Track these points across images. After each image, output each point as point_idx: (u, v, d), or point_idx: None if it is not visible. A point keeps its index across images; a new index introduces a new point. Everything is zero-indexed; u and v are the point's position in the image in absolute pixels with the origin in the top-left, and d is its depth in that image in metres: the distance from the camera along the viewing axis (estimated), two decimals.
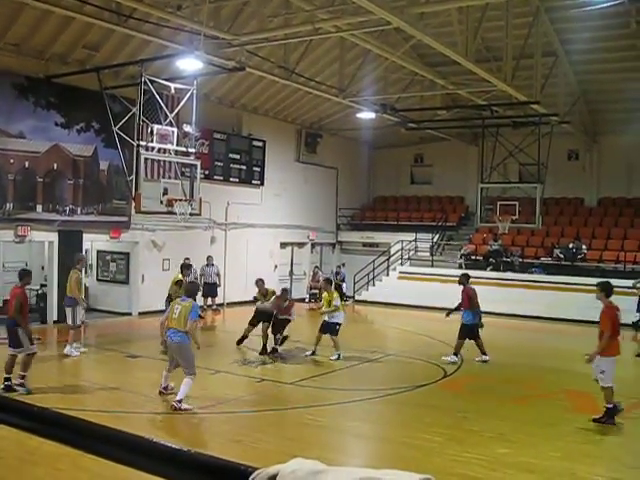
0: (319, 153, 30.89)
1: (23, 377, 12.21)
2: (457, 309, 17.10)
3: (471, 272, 26.08)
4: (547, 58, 22.20)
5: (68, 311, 16.11)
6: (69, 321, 16.06)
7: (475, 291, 16.79)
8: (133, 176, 17.94)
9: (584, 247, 27.18)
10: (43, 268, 22.69)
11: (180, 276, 17.36)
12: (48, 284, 20.94)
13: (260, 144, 27.65)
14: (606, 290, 11.65)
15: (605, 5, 18.36)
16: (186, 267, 18.49)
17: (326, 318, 16.68)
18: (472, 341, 16.36)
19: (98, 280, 23.92)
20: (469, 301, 16.56)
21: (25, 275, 12.90)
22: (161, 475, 1.41)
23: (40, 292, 21.83)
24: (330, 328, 16.49)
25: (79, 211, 20.90)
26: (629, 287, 22.31)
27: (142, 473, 1.44)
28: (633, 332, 21.69)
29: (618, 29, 20.92)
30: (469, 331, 16.45)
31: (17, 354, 12.26)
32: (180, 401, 11.26)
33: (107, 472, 5.88)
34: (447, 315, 17.30)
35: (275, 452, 9.09)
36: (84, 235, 21.16)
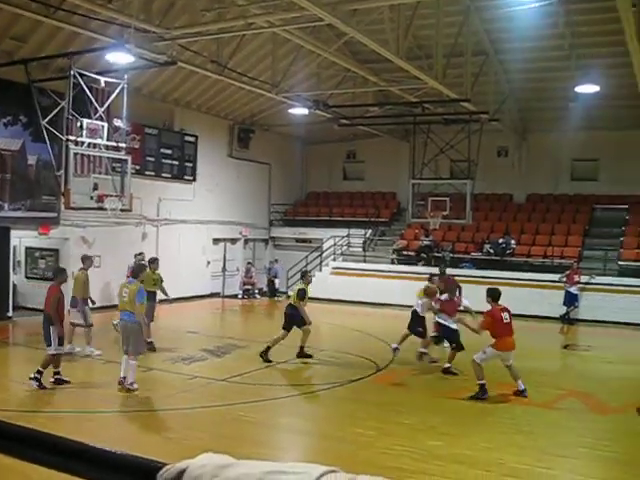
0: (252, 148, 30.80)
1: (40, 372, 12.29)
2: None
3: (403, 267, 26.51)
4: (477, 57, 22.51)
5: (74, 312, 15.58)
6: (81, 321, 15.50)
7: None
8: (62, 171, 17.66)
9: (513, 242, 27.68)
10: None
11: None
12: None
13: (192, 139, 27.46)
14: (492, 296, 13.24)
15: (534, 5, 18.69)
16: (152, 261, 18.03)
17: None
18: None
19: (27, 277, 23.44)
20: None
21: (59, 273, 13.38)
22: (68, 471, 1.39)
23: None
24: None
25: (6, 207, 20.43)
26: (556, 281, 22.87)
27: (51, 470, 1.43)
28: (560, 325, 22.26)
29: (547, 29, 21.30)
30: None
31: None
32: (132, 383, 12.40)
33: (17, 466, 5.78)
34: None
35: (206, 449, 8.93)
36: (12, 231, 20.74)
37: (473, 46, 21.68)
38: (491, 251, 27.63)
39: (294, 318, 15.62)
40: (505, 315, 13.19)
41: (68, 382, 12.64)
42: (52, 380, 12.48)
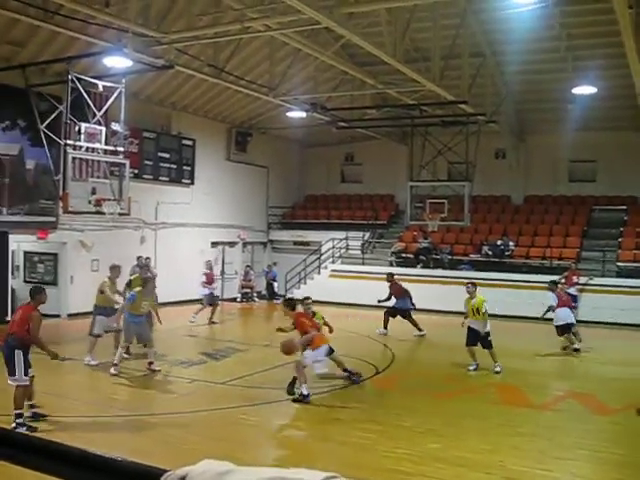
0: (250, 152, 30.83)
1: (20, 416, 10.33)
2: (387, 299, 20.97)
3: (401, 269, 26.52)
4: (474, 59, 22.54)
5: (107, 320, 15.26)
6: (114, 325, 15.16)
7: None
8: (60, 175, 17.66)
9: (511, 244, 27.70)
10: None
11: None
12: None
13: (190, 143, 27.48)
14: (290, 306, 13.36)
15: (530, 8, 18.72)
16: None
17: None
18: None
19: (25, 282, 23.39)
20: (403, 292, 20.61)
21: (38, 292, 10.98)
22: (69, 479, 1.40)
23: None
24: None
25: (4, 211, 20.42)
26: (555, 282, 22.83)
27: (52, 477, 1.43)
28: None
29: (543, 31, 21.35)
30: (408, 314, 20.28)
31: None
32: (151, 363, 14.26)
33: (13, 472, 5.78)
34: (380, 301, 21.13)
35: (205, 453, 8.97)
36: (10, 236, 20.74)
37: (470, 48, 21.71)
38: (489, 253, 27.64)
39: None
40: (305, 319, 13.47)
41: (45, 416, 10.78)
42: (29, 414, 10.61)
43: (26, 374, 10.36)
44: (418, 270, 27.51)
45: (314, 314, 14.43)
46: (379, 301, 21.24)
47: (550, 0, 18.30)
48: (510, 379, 14.59)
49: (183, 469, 1.32)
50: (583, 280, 23.81)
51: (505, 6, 19.49)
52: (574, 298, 23.14)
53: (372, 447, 9.74)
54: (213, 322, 21.89)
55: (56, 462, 1.43)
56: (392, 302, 20.92)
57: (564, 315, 17.79)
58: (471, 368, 15.09)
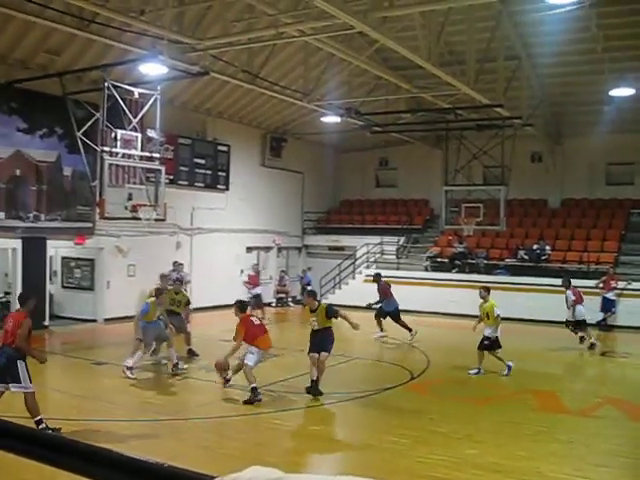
0: (284, 157, 30.89)
1: (40, 422, 10.24)
2: (379, 302, 21.29)
3: (437, 274, 26.36)
4: (510, 62, 22.38)
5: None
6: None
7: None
8: (97, 182, 17.82)
9: (548, 248, 27.44)
10: (7, 275, 22.45)
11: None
12: (12, 291, 20.69)
13: (225, 149, 27.60)
14: (240, 308, 13.71)
15: (566, 9, 18.55)
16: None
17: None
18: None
19: (63, 287, 23.69)
20: (389, 293, 21.16)
21: (28, 299, 10.94)
22: None
23: (4, 300, 21.60)
24: None
25: (43, 217, 20.68)
26: (592, 287, 22.60)
27: None
28: (597, 331, 21.99)
29: (579, 33, 21.15)
30: (396, 316, 20.70)
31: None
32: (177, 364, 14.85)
33: None
34: (368, 306, 21.39)
35: (242, 458, 9.07)
36: (48, 242, 20.97)
37: (505, 51, 21.55)
38: (526, 257, 27.41)
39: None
40: (254, 319, 14.07)
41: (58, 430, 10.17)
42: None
43: (31, 381, 10.18)
44: (453, 275, 27.37)
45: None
46: (369, 305, 21.65)
47: (586, 1, 18.11)
48: (546, 385, 14.46)
49: (231, 476, 1.32)
50: (621, 285, 23.51)
51: (540, 8, 19.31)
52: (612, 303, 22.91)
53: (407, 453, 9.69)
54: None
55: (105, 468, 1.43)
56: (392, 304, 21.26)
57: (583, 311, 18.23)
58: (471, 372, 15.41)
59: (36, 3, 15.34)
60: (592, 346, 18.53)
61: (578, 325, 18.70)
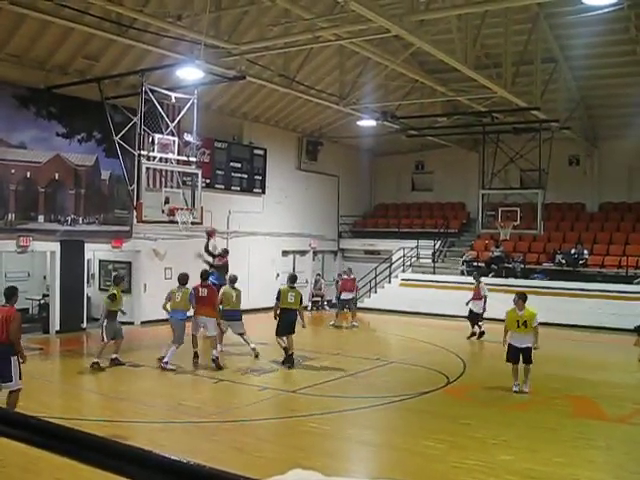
0: (320, 161, 30.93)
1: None
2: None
3: (473, 279, 26.14)
4: (547, 64, 22.21)
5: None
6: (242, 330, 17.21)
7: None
8: (135, 185, 17.96)
9: (586, 252, 27.15)
10: (45, 278, 22.75)
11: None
12: (50, 294, 20.98)
13: (261, 152, 27.70)
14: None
15: (604, 11, 18.37)
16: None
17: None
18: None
19: (100, 289, 23.87)
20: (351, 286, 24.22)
21: (14, 293, 10.80)
22: None
23: (42, 302, 21.88)
24: None
25: (81, 221, 20.92)
26: (630, 292, 22.33)
27: None
28: (636, 337, 21.67)
29: (617, 34, 20.96)
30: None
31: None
32: (167, 363, 15.19)
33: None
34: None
35: (278, 461, 9.09)
36: (86, 245, 21.20)
37: (542, 53, 21.39)
38: (563, 262, 27.14)
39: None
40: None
41: None
42: None
43: (20, 377, 10.17)
44: (490, 279, 27.16)
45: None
46: (337, 298, 24.40)
47: (625, 2, 17.92)
48: (584, 391, 14.30)
49: (273, 478, 1.33)
50: None
51: (578, 10, 19.15)
52: None
53: (442, 457, 9.64)
54: (354, 325, 24.04)
55: (146, 469, 1.44)
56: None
57: None
58: (516, 389, 13.91)
59: (75, 9, 15.53)
60: None
61: None
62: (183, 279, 16.52)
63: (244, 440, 10.53)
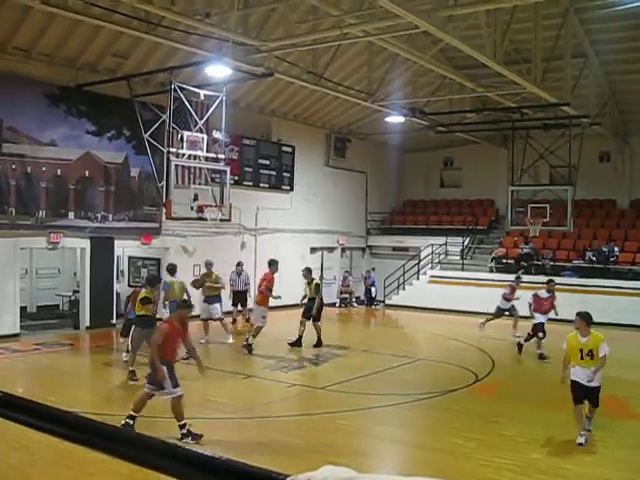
0: (348, 157, 30.90)
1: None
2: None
3: (502, 276, 26.02)
4: (577, 59, 21.98)
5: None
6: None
7: None
8: (164, 182, 18.04)
9: (617, 249, 26.89)
10: (75, 274, 22.94)
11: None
12: (80, 290, 21.15)
13: (289, 149, 27.73)
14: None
15: (635, 4, 18.16)
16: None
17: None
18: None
19: (130, 286, 24.00)
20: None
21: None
22: None
23: (73, 298, 22.06)
24: None
25: (110, 218, 21.08)
26: None
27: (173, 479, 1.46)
28: None
29: None
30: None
31: None
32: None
33: (138, 475, 5.91)
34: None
35: (307, 458, 9.11)
36: (116, 241, 21.35)
37: (572, 48, 21.16)
38: (594, 259, 26.90)
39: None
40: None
41: None
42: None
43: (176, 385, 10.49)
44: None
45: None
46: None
47: None
48: (614, 390, 14.14)
49: (305, 474, 1.33)
50: None
51: (608, 4, 18.97)
52: None
53: (471, 455, 9.61)
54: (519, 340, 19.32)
55: (179, 464, 1.45)
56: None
57: None
58: (581, 440, 10.22)
59: (104, 8, 15.63)
60: None
61: None
62: (172, 270, 17.79)
63: (272, 436, 10.56)
